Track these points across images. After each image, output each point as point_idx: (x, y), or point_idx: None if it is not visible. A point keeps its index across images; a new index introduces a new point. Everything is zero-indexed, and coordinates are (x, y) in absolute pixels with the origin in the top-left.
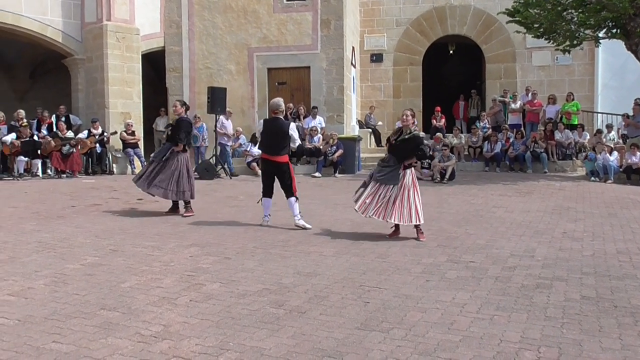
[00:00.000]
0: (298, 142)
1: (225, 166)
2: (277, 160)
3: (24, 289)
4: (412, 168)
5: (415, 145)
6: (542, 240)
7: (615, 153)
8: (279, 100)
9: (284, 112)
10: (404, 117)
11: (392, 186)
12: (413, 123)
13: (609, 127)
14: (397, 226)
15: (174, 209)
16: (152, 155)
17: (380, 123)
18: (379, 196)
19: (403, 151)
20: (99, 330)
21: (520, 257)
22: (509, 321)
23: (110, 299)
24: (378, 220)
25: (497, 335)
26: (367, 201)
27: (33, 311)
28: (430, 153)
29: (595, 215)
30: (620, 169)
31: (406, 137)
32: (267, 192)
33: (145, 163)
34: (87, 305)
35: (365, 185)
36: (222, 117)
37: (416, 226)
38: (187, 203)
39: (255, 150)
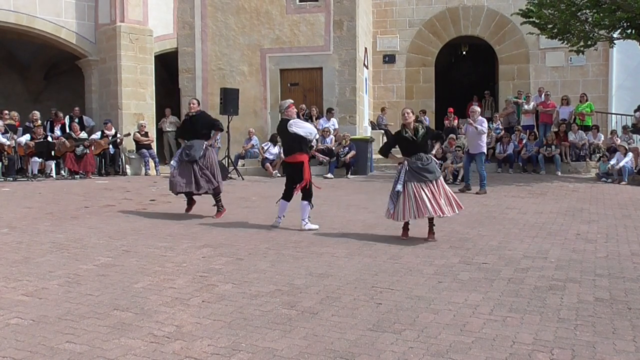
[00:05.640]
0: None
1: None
2: (291, 161)
3: (38, 289)
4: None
5: (435, 134)
6: (556, 242)
7: (630, 154)
8: (282, 102)
9: (290, 112)
10: (406, 115)
11: (433, 180)
12: (415, 120)
13: None
14: (407, 226)
15: (191, 204)
16: (186, 156)
17: (392, 124)
18: (417, 196)
19: (426, 144)
20: (112, 330)
21: (533, 259)
22: (522, 323)
23: (123, 300)
24: (428, 216)
25: (509, 337)
26: (406, 206)
27: (47, 311)
28: (442, 154)
29: (609, 216)
30: (635, 170)
31: (422, 131)
32: (286, 194)
33: (159, 163)
34: (101, 305)
35: (398, 195)
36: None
37: (430, 224)
38: (217, 202)
39: (273, 151)
